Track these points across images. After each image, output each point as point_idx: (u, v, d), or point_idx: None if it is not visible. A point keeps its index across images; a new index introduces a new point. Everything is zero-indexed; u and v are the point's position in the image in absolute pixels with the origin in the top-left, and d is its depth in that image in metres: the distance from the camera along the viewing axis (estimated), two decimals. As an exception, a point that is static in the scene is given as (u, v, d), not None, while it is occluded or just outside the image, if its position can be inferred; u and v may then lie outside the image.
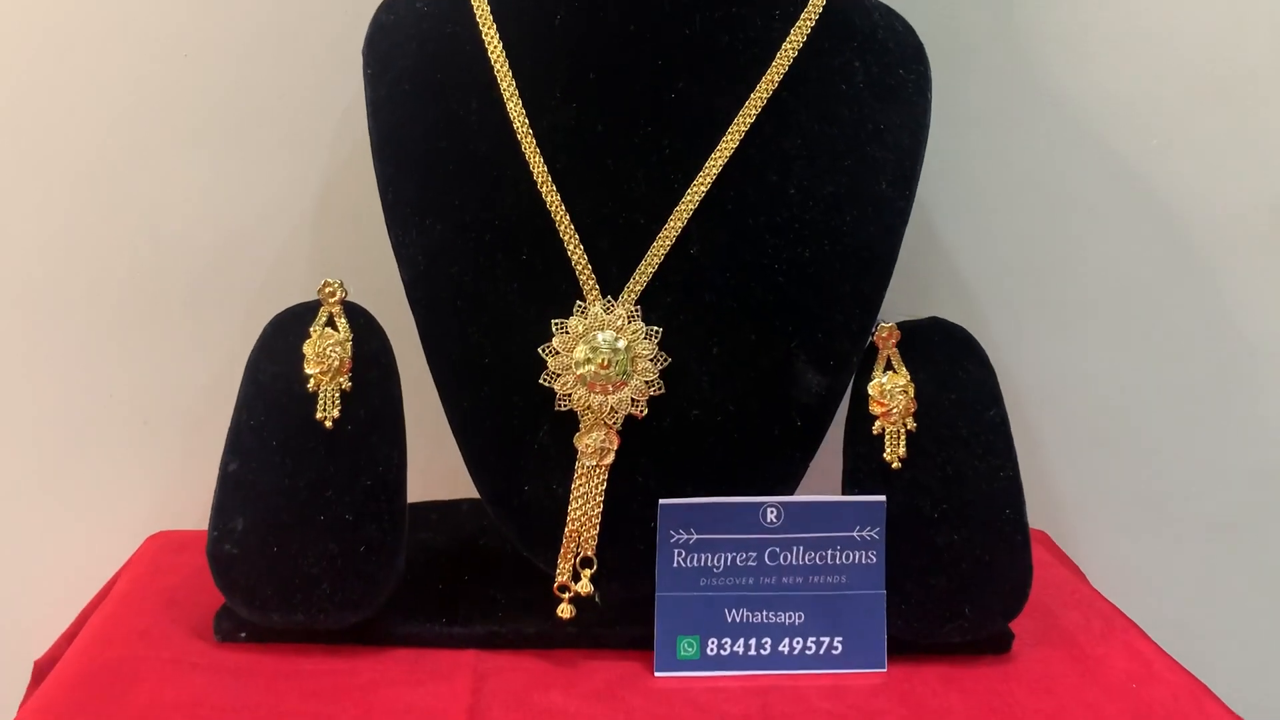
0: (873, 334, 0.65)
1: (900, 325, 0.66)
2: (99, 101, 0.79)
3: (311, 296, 0.65)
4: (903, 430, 0.65)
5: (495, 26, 0.65)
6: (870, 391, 0.65)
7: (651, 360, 0.62)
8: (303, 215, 0.81)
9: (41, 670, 0.72)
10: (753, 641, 0.63)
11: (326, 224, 0.81)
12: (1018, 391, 0.78)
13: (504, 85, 0.64)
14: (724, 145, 0.64)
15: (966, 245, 0.84)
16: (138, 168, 0.80)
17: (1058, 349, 0.86)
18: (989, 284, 0.85)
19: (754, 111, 0.64)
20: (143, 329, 0.83)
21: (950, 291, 0.84)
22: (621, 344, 0.62)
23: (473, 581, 0.69)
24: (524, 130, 0.63)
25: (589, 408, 0.62)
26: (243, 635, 0.63)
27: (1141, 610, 0.77)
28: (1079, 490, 0.89)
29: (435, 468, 0.72)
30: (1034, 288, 0.85)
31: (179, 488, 0.84)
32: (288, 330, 0.64)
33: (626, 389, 0.62)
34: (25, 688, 0.72)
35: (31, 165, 0.80)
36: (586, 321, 0.62)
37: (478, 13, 0.65)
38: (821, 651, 0.63)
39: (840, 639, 0.63)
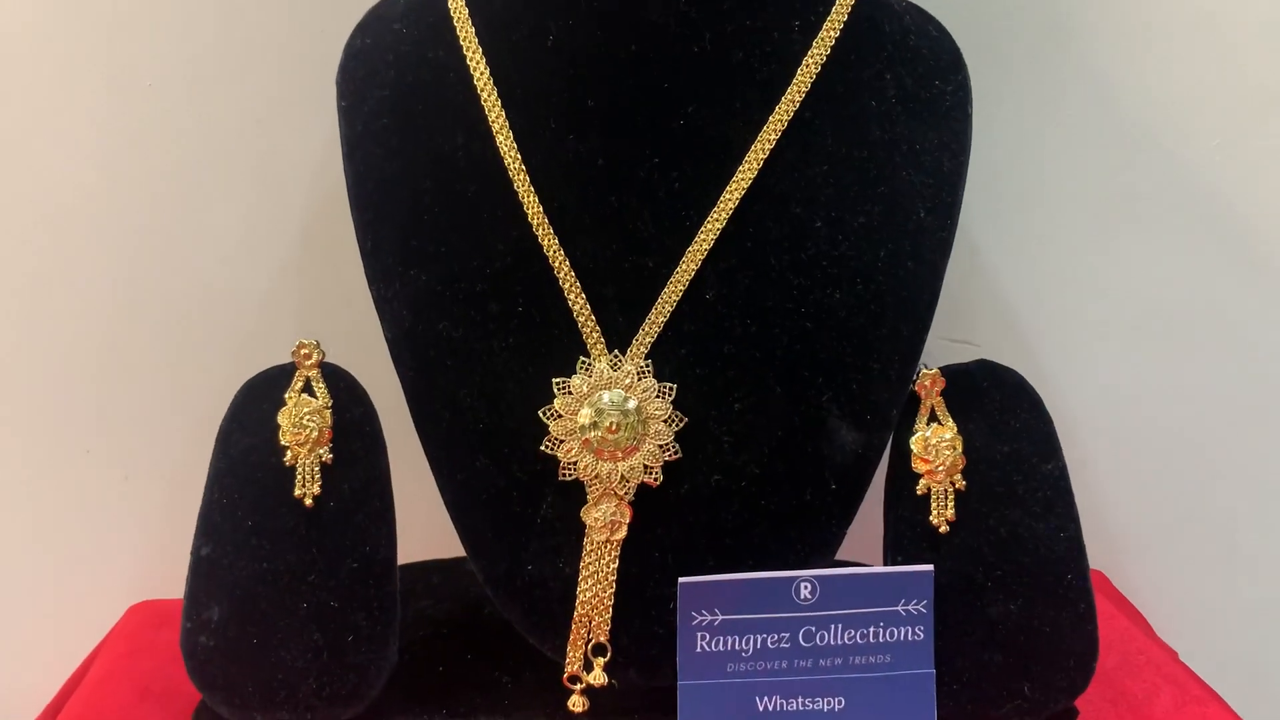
0: (914, 382, 0.58)
1: (944, 370, 0.59)
2: (59, 141, 0.74)
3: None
4: (950, 489, 0.58)
5: (482, 51, 0.58)
6: (913, 447, 0.58)
7: (665, 421, 0.55)
8: (283, 261, 0.75)
9: (25, 747, 0.68)
10: (788, 732, 0.57)
11: (309, 270, 0.75)
12: (1069, 414, 0.71)
13: (493, 117, 0.57)
14: (741, 175, 0.57)
15: (1009, 267, 0.77)
16: (103, 213, 0.75)
17: (1111, 369, 0.79)
18: (1036, 307, 0.78)
19: (774, 136, 0.57)
20: (120, 380, 0.77)
21: (992, 318, 0.77)
22: (631, 404, 0.55)
23: (476, 661, 0.62)
24: (516, 167, 0.56)
25: (597, 477, 0.55)
26: (223, 734, 0.58)
27: (1209, 653, 0.70)
28: (1138, 522, 0.82)
29: (438, 520, 0.66)
30: (1086, 308, 0.78)
31: (163, 547, 0.78)
32: (260, 397, 0.58)
33: (638, 455, 0.55)
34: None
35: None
36: (591, 380, 0.56)
37: (462, 36, 0.58)
38: (865, 740, 0.57)
39: (885, 725, 0.57)
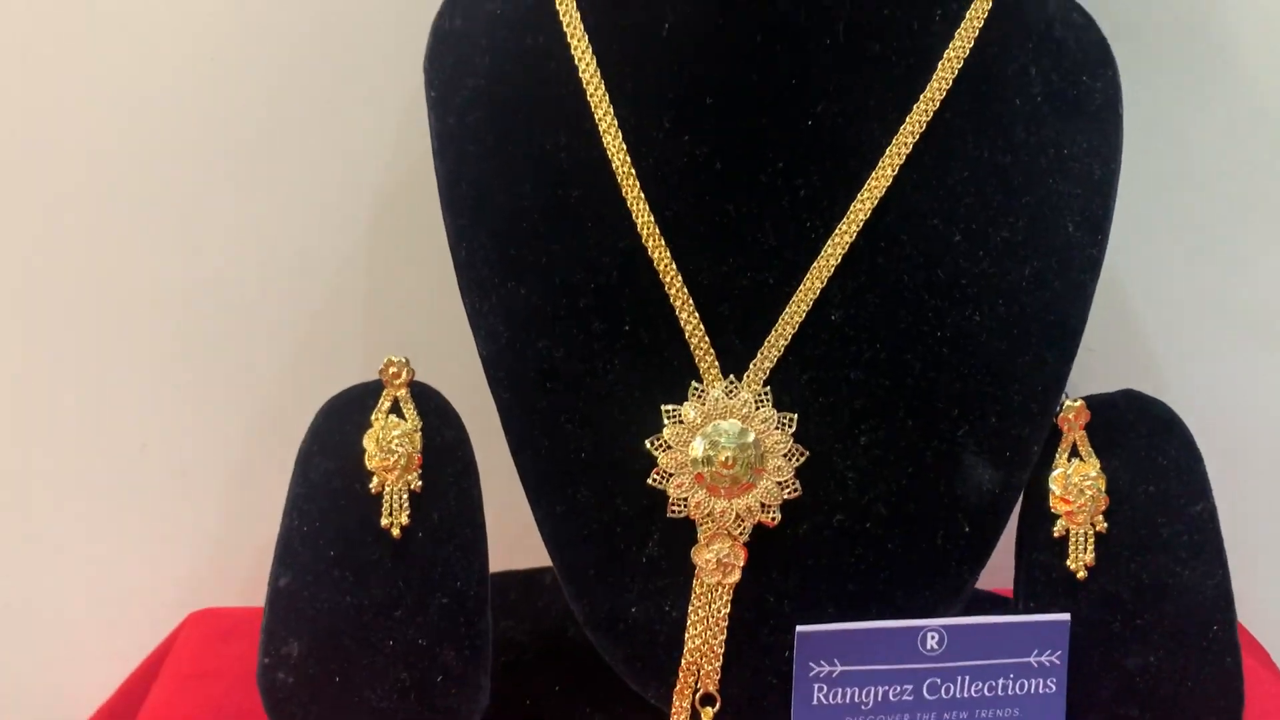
0: (1056, 415, 0.53)
1: (1088, 401, 0.54)
2: (117, 118, 0.68)
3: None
4: (1090, 532, 0.53)
5: (587, 37, 0.52)
6: (1052, 485, 0.53)
7: (785, 456, 0.51)
8: (354, 248, 0.70)
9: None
10: (908, 789, 0.53)
11: (382, 258, 0.70)
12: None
13: (599, 113, 0.52)
14: (874, 182, 0.51)
15: (1148, 276, 0.71)
16: (162, 197, 0.69)
17: (1250, 387, 0.73)
18: (1175, 325, 0.72)
19: (910, 139, 0.51)
20: (175, 372, 0.73)
21: (1125, 336, 0.71)
22: (749, 437, 0.51)
23: (567, 696, 0.58)
24: (625, 170, 0.51)
25: (709, 515, 0.51)
26: (302, 775, 0.54)
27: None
28: (1262, 547, 0.76)
29: (508, 526, 0.61)
30: (1229, 328, 0.72)
31: (222, 550, 0.75)
32: (344, 418, 0.53)
33: (755, 491, 0.51)
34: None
35: (48, 198, 0.70)
36: (704, 408, 0.51)
37: (564, 18, 0.53)
38: (990, 799, 0.53)
39: (1012, 783, 0.53)
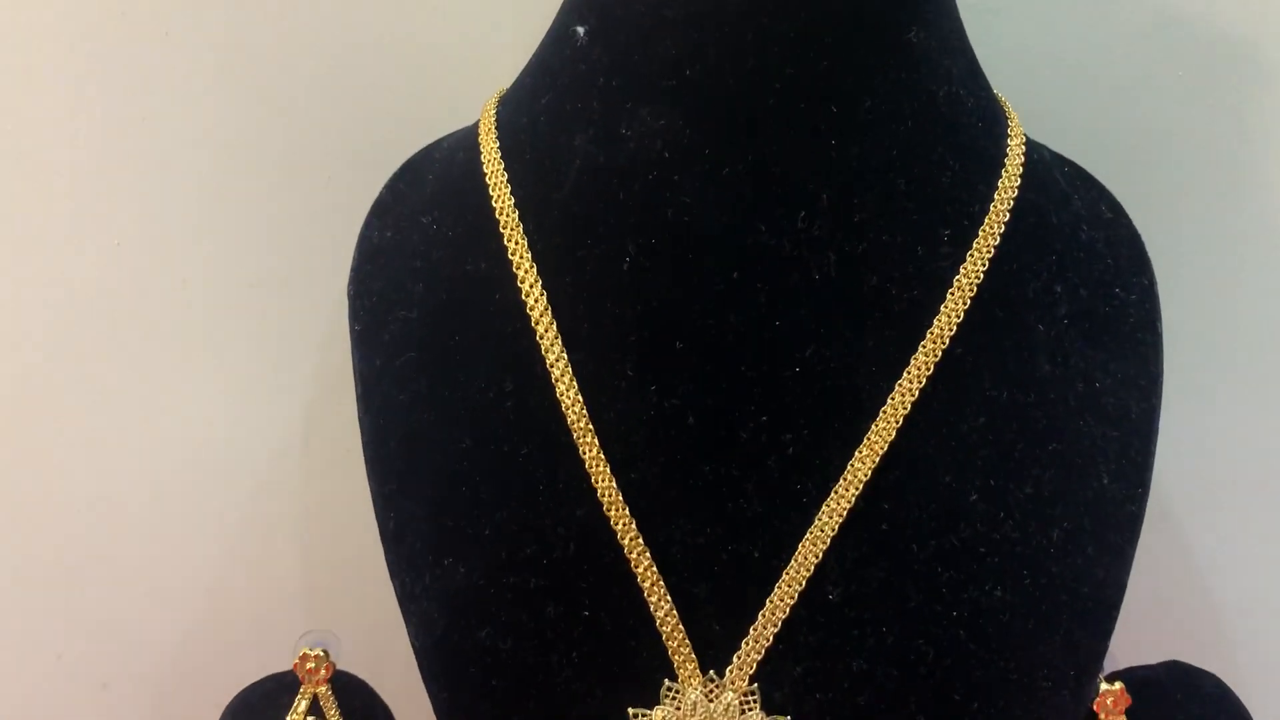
0: (1092, 700, 0.46)
1: (1128, 681, 0.46)
2: (34, 324, 0.62)
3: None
4: (1135, 834, 0.46)
5: (536, 267, 0.45)
6: (1088, 781, 0.46)
7: (777, 770, 0.43)
8: (278, 482, 0.63)
9: None
10: None
11: (315, 516, 0.62)
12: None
13: (551, 357, 0.44)
14: (875, 436, 0.43)
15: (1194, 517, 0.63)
16: (60, 402, 0.63)
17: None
18: (1233, 580, 0.64)
19: (917, 383, 0.44)
20: (93, 578, 0.65)
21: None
22: (733, 748, 0.43)
23: None
24: (582, 425, 0.44)
25: (688, 840, 0.43)
26: None
27: None
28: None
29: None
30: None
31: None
32: (255, 714, 0.45)
33: (741, 812, 0.43)
34: None
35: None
36: (680, 714, 0.43)
37: (509, 243, 0.45)
38: None
39: None
